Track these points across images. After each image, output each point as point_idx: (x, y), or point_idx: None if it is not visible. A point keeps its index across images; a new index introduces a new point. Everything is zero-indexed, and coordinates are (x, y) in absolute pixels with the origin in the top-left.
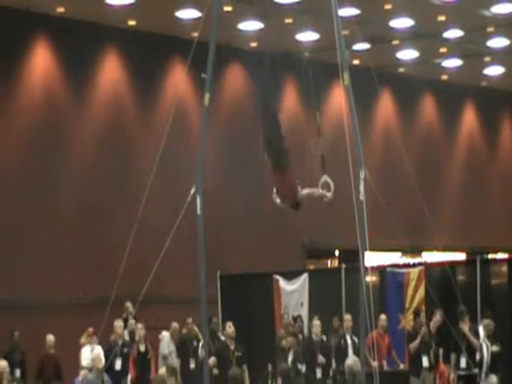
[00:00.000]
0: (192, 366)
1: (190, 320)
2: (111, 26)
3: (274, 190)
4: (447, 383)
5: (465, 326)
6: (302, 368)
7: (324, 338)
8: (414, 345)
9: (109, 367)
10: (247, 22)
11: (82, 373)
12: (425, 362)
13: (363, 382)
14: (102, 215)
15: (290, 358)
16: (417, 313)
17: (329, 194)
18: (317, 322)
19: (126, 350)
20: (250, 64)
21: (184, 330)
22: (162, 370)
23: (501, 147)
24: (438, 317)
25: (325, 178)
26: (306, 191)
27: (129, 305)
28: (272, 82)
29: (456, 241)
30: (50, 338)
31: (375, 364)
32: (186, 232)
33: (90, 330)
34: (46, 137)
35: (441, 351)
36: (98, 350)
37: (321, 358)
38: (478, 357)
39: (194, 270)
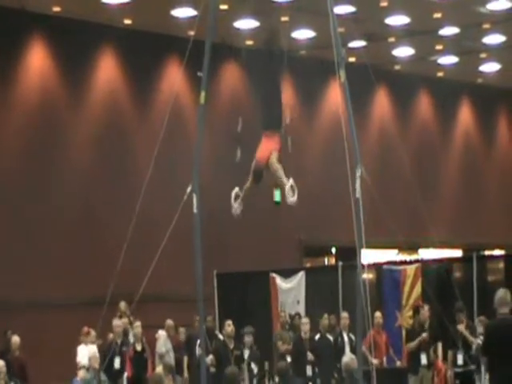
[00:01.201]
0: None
1: (198, 318)
2: (107, 25)
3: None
4: (444, 380)
5: (461, 323)
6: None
7: (317, 335)
8: (413, 345)
9: (108, 366)
10: (243, 20)
11: (80, 372)
12: (423, 359)
13: (360, 379)
14: (98, 214)
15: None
16: (416, 310)
17: (294, 199)
18: (305, 320)
19: (124, 348)
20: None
21: (181, 329)
22: (159, 369)
23: (497, 144)
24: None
25: (291, 181)
26: (275, 164)
27: (122, 304)
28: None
29: (452, 237)
30: (16, 339)
31: (376, 361)
32: (182, 230)
33: (85, 329)
34: (42, 136)
35: (440, 348)
36: (94, 349)
37: (310, 356)
38: (474, 353)
39: (191, 269)
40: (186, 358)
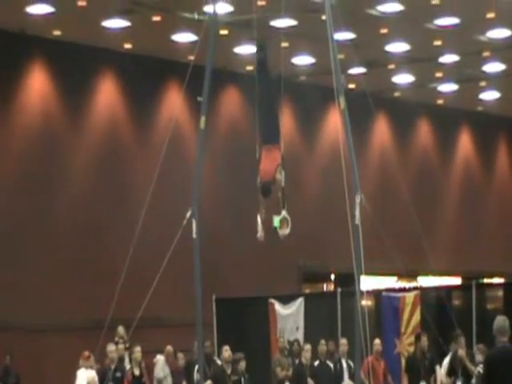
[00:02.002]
0: None
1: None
2: (107, 49)
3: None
4: None
5: (460, 350)
6: None
7: (317, 362)
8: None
9: None
10: (243, 45)
11: None
12: None
13: None
14: (98, 237)
15: None
16: (417, 337)
17: (285, 232)
18: (307, 347)
19: (118, 374)
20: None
21: (179, 355)
22: None
23: (497, 172)
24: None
25: (283, 213)
26: (279, 177)
27: (120, 329)
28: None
29: (452, 265)
30: None
31: None
32: (181, 255)
33: (86, 353)
34: (42, 159)
35: (439, 375)
36: (93, 374)
37: (310, 382)
38: (474, 381)
39: (190, 293)
40: None
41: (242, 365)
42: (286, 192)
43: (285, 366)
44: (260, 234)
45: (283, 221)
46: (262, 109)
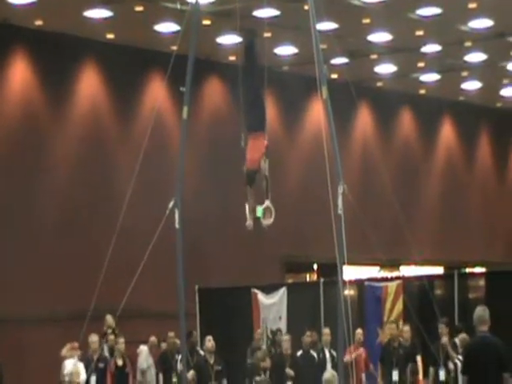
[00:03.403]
0: (174, 380)
1: (172, 334)
2: (89, 39)
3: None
4: None
5: (445, 337)
6: None
7: (299, 352)
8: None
9: (86, 382)
10: (226, 35)
11: None
12: (394, 376)
13: None
14: (80, 228)
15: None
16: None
17: (269, 221)
18: (286, 337)
19: (101, 365)
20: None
21: (163, 345)
22: None
23: (478, 161)
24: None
25: (267, 203)
26: (263, 165)
27: (109, 317)
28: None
29: (434, 255)
30: None
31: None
32: (164, 245)
33: (75, 344)
34: (24, 149)
35: (420, 364)
36: (77, 365)
37: (289, 371)
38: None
39: (173, 284)
40: (161, 376)
41: None
42: (269, 182)
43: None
44: (248, 222)
45: (266, 210)
46: (247, 96)
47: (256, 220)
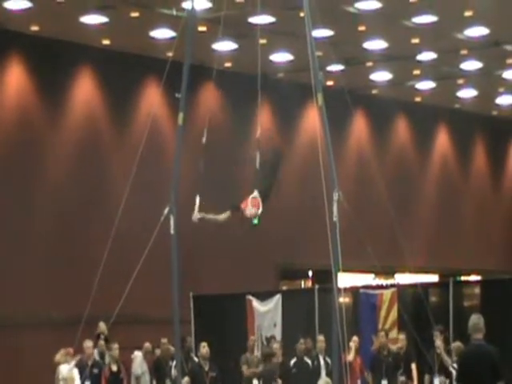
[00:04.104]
0: None
1: (165, 340)
2: (85, 45)
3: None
4: None
5: (438, 341)
6: None
7: (294, 359)
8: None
9: None
10: (222, 42)
11: None
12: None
13: None
14: (75, 233)
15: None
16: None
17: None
18: (276, 346)
19: (96, 370)
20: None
21: (157, 351)
22: None
23: (474, 169)
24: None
25: (255, 193)
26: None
27: (102, 324)
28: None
29: (429, 262)
30: None
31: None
32: (159, 251)
33: (70, 350)
34: (19, 154)
35: (414, 372)
36: (72, 370)
37: (278, 381)
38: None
39: (167, 290)
40: (154, 382)
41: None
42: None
43: (252, 363)
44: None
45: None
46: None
47: (251, 227)
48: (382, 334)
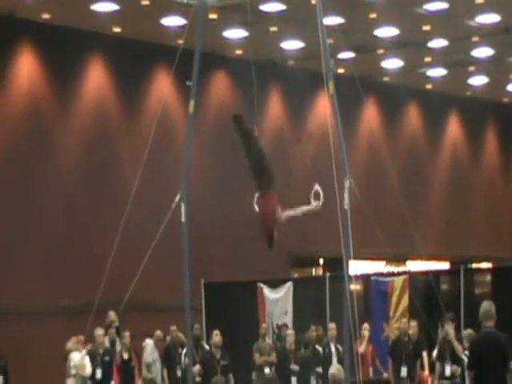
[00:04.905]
0: (179, 373)
1: (174, 328)
2: (96, 33)
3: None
4: None
5: (450, 329)
6: None
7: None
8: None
9: (91, 375)
10: (232, 29)
11: (68, 381)
12: (403, 371)
13: None
14: (86, 221)
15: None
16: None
17: (316, 204)
18: (290, 332)
19: (107, 358)
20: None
21: (168, 338)
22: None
23: (485, 156)
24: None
25: (316, 187)
26: (288, 213)
27: (112, 314)
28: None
29: (440, 250)
30: None
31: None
32: (170, 239)
33: (81, 338)
34: (30, 143)
35: (426, 360)
36: (83, 357)
37: (294, 367)
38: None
39: (178, 278)
40: (165, 370)
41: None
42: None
43: (264, 351)
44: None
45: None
46: (253, 167)
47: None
48: (405, 320)
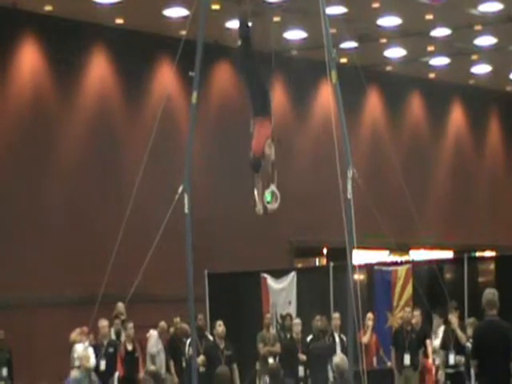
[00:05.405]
0: (184, 364)
1: (177, 319)
2: (99, 24)
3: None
4: (435, 381)
5: (454, 318)
6: None
7: (310, 336)
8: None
9: (95, 367)
10: (235, 20)
11: (72, 372)
12: (406, 360)
13: (351, 380)
14: (89, 212)
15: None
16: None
17: (274, 206)
18: (297, 321)
19: (111, 349)
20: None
21: (171, 329)
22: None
23: (488, 145)
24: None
25: (272, 187)
26: (268, 152)
27: (120, 306)
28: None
29: (443, 239)
30: None
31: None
32: (173, 230)
33: (85, 329)
34: (33, 134)
35: (430, 349)
36: (87, 349)
37: (301, 356)
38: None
39: (182, 269)
40: (171, 361)
41: None
42: (277, 166)
43: (268, 341)
44: (258, 207)
45: (272, 195)
46: (250, 82)
47: (266, 205)
48: (408, 309)
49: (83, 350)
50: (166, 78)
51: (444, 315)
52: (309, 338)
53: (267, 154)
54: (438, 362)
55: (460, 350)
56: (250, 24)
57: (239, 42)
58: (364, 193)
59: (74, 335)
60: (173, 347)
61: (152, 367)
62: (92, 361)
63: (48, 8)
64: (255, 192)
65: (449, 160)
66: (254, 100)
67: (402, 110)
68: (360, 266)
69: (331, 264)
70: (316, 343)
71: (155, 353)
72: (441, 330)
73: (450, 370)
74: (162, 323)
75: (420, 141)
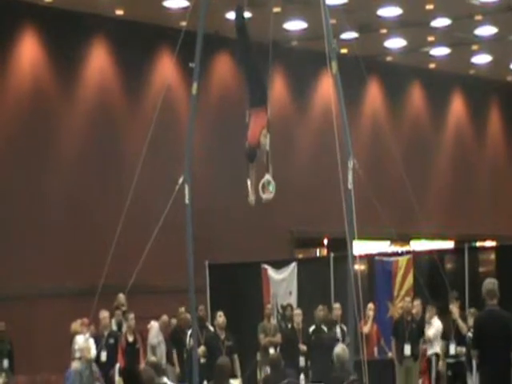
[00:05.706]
0: (185, 355)
1: (182, 309)
2: (99, 15)
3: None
4: (425, 369)
5: (455, 308)
6: None
7: (312, 327)
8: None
9: (96, 358)
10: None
11: (73, 363)
12: (406, 350)
13: (351, 370)
14: (90, 204)
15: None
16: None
17: (269, 196)
18: (298, 312)
19: (112, 340)
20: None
21: (173, 321)
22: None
23: (488, 135)
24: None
25: (267, 177)
26: (263, 142)
27: (121, 297)
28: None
29: (444, 229)
30: None
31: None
32: (174, 221)
33: (86, 320)
34: (33, 126)
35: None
36: (88, 340)
37: (302, 347)
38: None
39: (182, 260)
40: (174, 352)
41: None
42: (277, 157)
43: (269, 332)
44: (251, 198)
45: (266, 184)
46: (249, 76)
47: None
48: (408, 299)
49: (84, 342)
50: (166, 69)
51: (442, 306)
52: (311, 329)
53: (262, 144)
54: (430, 351)
55: (461, 340)
56: (245, 15)
57: (236, 33)
58: (364, 183)
59: (75, 326)
60: (175, 338)
61: (153, 358)
62: (93, 352)
63: None
64: (248, 182)
65: (449, 150)
66: (252, 92)
67: (402, 100)
68: (361, 257)
69: (332, 254)
70: (326, 333)
71: (156, 344)
72: (434, 320)
73: (450, 360)
74: (165, 317)
75: (420, 131)
